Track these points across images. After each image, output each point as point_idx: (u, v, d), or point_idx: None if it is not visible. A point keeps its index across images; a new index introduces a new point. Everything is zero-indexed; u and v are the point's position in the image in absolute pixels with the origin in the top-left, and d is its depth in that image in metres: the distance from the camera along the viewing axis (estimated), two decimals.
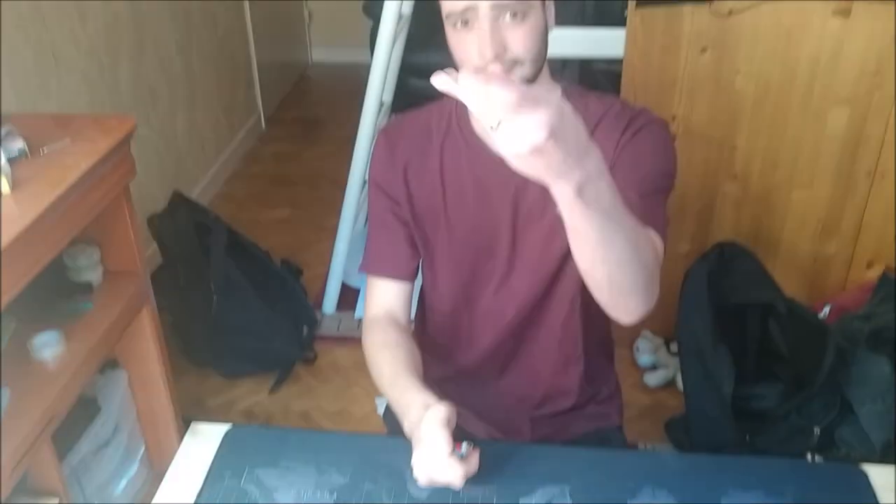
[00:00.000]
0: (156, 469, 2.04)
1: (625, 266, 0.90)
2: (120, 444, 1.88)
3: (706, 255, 2.09)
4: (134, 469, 1.96)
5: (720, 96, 2.14)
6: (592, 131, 1.15)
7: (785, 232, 2.31)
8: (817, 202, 2.24)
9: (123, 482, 1.91)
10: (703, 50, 2.08)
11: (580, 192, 0.78)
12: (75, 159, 1.49)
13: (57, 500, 1.56)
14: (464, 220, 1.24)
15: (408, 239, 1.29)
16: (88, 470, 1.76)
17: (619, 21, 2.17)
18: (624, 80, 2.18)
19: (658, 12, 2.05)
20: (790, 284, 2.14)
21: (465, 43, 1.06)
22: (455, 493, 1.09)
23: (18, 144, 1.48)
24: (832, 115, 2.11)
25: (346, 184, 2.70)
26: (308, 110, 4.51)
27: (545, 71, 1.14)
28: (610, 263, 0.90)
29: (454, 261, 1.29)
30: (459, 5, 1.03)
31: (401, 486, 1.09)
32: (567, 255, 1.21)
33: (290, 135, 4.18)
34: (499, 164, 1.16)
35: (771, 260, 2.24)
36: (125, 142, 1.62)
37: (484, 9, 1.02)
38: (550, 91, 0.99)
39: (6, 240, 1.27)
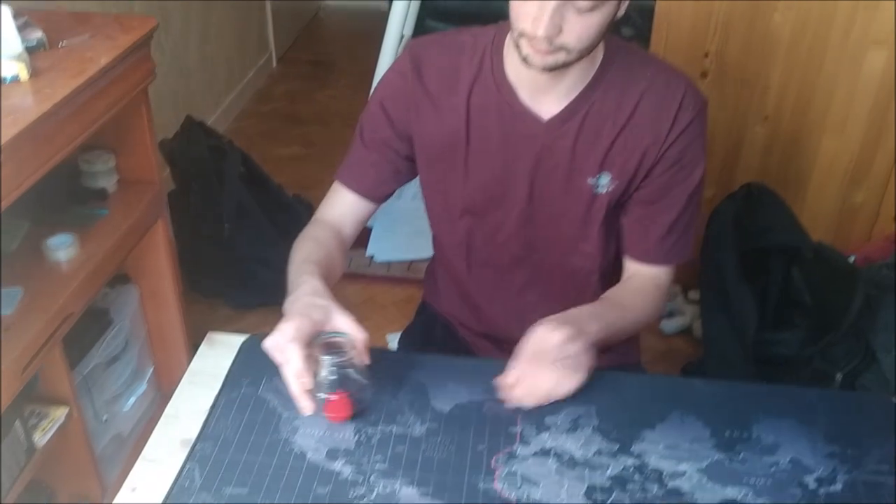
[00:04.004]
0: (164, 391, 2.01)
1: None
2: (130, 360, 1.85)
3: (733, 195, 2.05)
4: (142, 388, 1.93)
5: (755, 33, 2.08)
6: (637, 102, 1.13)
7: (812, 179, 2.25)
8: (848, 149, 2.18)
9: (132, 399, 1.89)
10: None
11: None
12: (95, 53, 1.44)
13: (67, 409, 1.53)
14: (482, 167, 1.20)
15: (392, 169, 1.24)
16: (98, 382, 1.73)
17: None
18: (657, 15, 2.11)
19: None
20: (815, 233, 2.08)
21: (526, 7, 1.00)
22: (479, 406, 1.05)
23: (36, 34, 1.42)
24: (869, 57, 2.05)
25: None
26: (320, 51, 4.43)
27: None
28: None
29: (466, 204, 1.25)
30: None
31: (423, 401, 1.06)
32: (586, 223, 1.21)
33: (302, 74, 4.10)
34: (529, 117, 1.15)
35: (797, 207, 2.18)
36: (146, 42, 1.57)
37: None
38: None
39: (23, 125, 1.22)
